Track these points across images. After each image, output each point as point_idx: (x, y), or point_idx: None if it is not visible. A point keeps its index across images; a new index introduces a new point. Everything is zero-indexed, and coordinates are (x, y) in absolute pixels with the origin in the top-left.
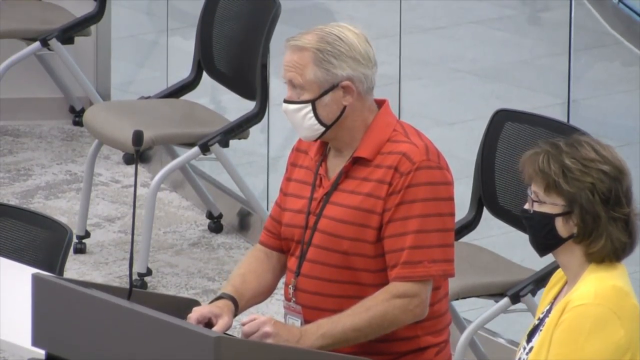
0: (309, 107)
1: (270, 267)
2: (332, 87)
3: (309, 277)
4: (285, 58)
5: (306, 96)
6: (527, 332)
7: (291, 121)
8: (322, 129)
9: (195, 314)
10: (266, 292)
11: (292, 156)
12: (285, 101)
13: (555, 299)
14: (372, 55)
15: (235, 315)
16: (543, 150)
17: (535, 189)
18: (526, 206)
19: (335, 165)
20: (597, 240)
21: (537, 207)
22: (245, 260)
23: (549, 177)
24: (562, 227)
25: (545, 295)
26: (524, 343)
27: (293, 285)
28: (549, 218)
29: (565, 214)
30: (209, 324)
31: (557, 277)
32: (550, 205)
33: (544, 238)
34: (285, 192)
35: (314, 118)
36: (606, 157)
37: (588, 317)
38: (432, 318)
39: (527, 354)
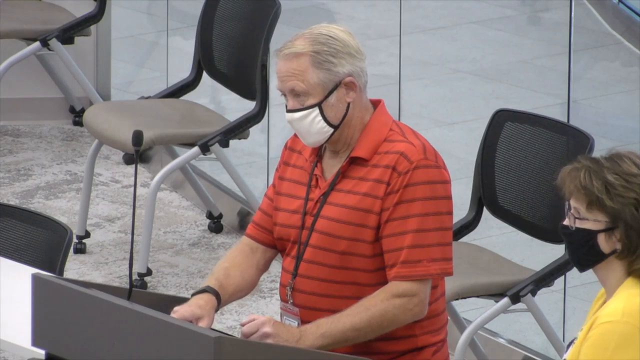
0: (316, 110)
1: (254, 262)
2: (336, 86)
3: (306, 278)
4: (279, 69)
5: (311, 101)
6: (567, 344)
7: (298, 129)
8: (331, 130)
9: (176, 315)
10: (248, 288)
11: (284, 154)
12: (289, 111)
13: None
14: (362, 48)
15: (217, 310)
16: (583, 165)
17: (576, 205)
18: (566, 222)
19: (331, 165)
20: None
21: (578, 224)
22: (230, 253)
23: (592, 193)
24: (604, 243)
25: (592, 308)
26: (565, 355)
27: (290, 286)
28: (592, 234)
29: (608, 230)
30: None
31: (602, 291)
32: (593, 221)
33: (586, 254)
34: (278, 192)
35: (322, 121)
36: None
37: (614, 335)
38: (430, 317)
39: None
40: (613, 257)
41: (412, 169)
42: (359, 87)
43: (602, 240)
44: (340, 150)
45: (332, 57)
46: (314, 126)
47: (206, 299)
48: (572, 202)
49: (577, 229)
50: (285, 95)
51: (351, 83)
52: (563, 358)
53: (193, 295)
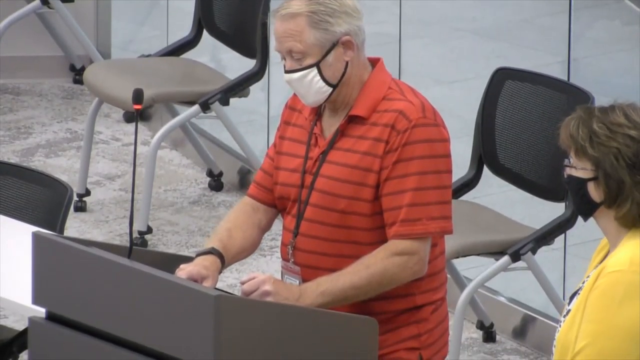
0: (315, 70)
1: (256, 222)
2: (333, 46)
3: (307, 236)
4: (277, 30)
5: (309, 61)
6: (570, 295)
7: (297, 90)
8: (330, 89)
9: (183, 273)
10: (251, 248)
11: (285, 114)
12: (288, 71)
13: (600, 264)
14: (359, 7)
15: (220, 272)
16: (577, 115)
17: (571, 155)
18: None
19: (331, 124)
20: (623, 205)
21: (572, 172)
22: (232, 214)
23: (577, 142)
24: (594, 192)
25: (592, 260)
26: (567, 306)
27: (291, 244)
28: (582, 183)
29: (596, 179)
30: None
31: (605, 242)
32: (582, 170)
33: (580, 203)
34: (279, 151)
35: (321, 81)
36: (636, 122)
37: (621, 284)
38: (428, 276)
39: (564, 317)
40: (605, 206)
41: (410, 128)
42: (356, 45)
43: (591, 188)
44: (339, 108)
45: (329, 17)
46: (312, 86)
47: (211, 260)
48: (569, 152)
49: (569, 176)
50: (283, 56)
51: (349, 42)
52: (568, 309)
53: (197, 256)
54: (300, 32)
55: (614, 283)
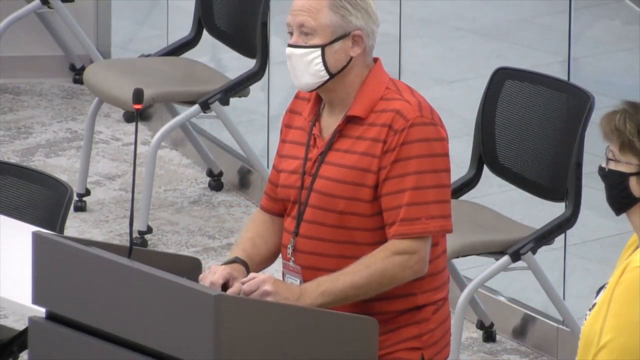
0: (318, 52)
1: (277, 231)
2: (344, 35)
3: (307, 238)
4: (296, 3)
5: (316, 41)
6: (597, 288)
7: (294, 67)
8: (327, 76)
9: (217, 277)
10: (273, 257)
11: (285, 118)
12: (291, 45)
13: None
14: (379, 16)
15: None
16: (621, 109)
17: (611, 148)
18: (602, 164)
19: (329, 125)
20: None
21: (612, 166)
22: (251, 224)
23: (624, 135)
24: (636, 187)
25: (622, 256)
26: (593, 299)
27: (292, 245)
28: (624, 177)
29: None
30: (224, 285)
31: (634, 238)
32: (625, 164)
33: (618, 197)
34: (280, 154)
35: (321, 64)
36: None
37: None
38: (430, 275)
39: (589, 310)
40: None
41: (408, 127)
42: (365, 46)
43: (634, 183)
44: (336, 107)
45: (350, 6)
46: (311, 67)
47: (237, 268)
48: (610, 145)
49: (610, 170)
50: (291, 30)
51: (359, 37)
52: (594, 302)
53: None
54: (318, 10)
55: (638, 278)
